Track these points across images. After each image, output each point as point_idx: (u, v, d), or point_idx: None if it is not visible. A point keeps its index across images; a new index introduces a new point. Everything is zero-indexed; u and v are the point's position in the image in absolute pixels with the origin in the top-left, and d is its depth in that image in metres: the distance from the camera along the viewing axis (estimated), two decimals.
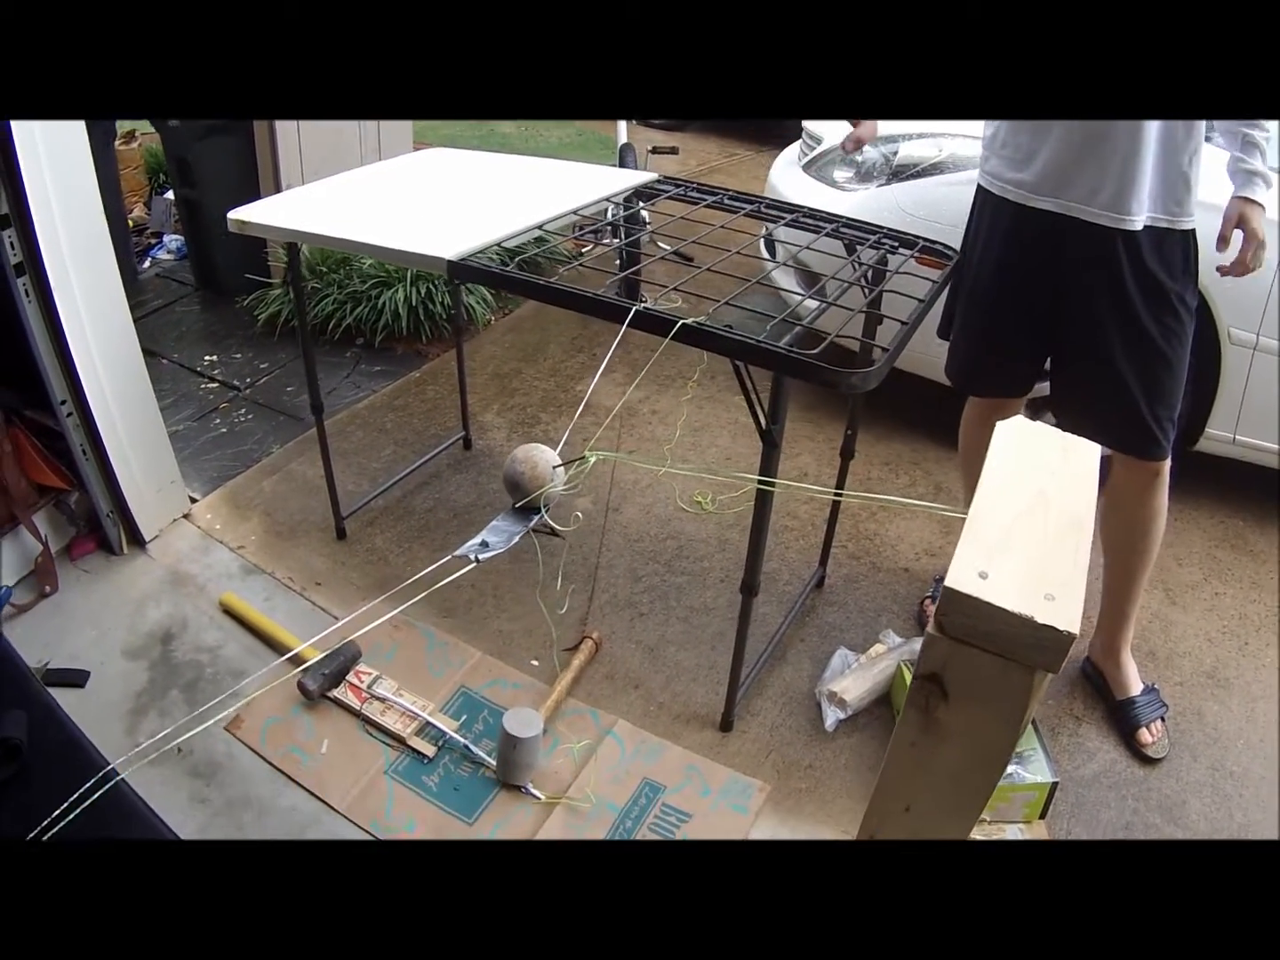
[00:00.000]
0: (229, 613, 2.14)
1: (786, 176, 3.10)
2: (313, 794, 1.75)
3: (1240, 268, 1.65)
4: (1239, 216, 1.61)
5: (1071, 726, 1.99)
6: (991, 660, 0.69)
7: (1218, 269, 1.67)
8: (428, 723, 1.87)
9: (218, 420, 2.88)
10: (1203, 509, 2.66)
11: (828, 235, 1.87)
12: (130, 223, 3.89)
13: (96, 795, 0.88)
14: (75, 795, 0.87)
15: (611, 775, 1.81)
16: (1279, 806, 1.81)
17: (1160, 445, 1.73)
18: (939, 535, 2.52)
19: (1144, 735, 1.96)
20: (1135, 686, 2.01)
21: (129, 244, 3.63)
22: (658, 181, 2.13)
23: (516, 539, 1.12)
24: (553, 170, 2.27)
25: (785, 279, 2.86)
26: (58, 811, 0.86)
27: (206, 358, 3.21)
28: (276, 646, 2.05)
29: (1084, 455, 0.86)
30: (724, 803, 1.77)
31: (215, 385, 3.06)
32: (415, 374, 3.14)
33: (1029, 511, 0.76)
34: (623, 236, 2.02)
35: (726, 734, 1.91)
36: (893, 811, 0.93)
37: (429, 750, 1.83)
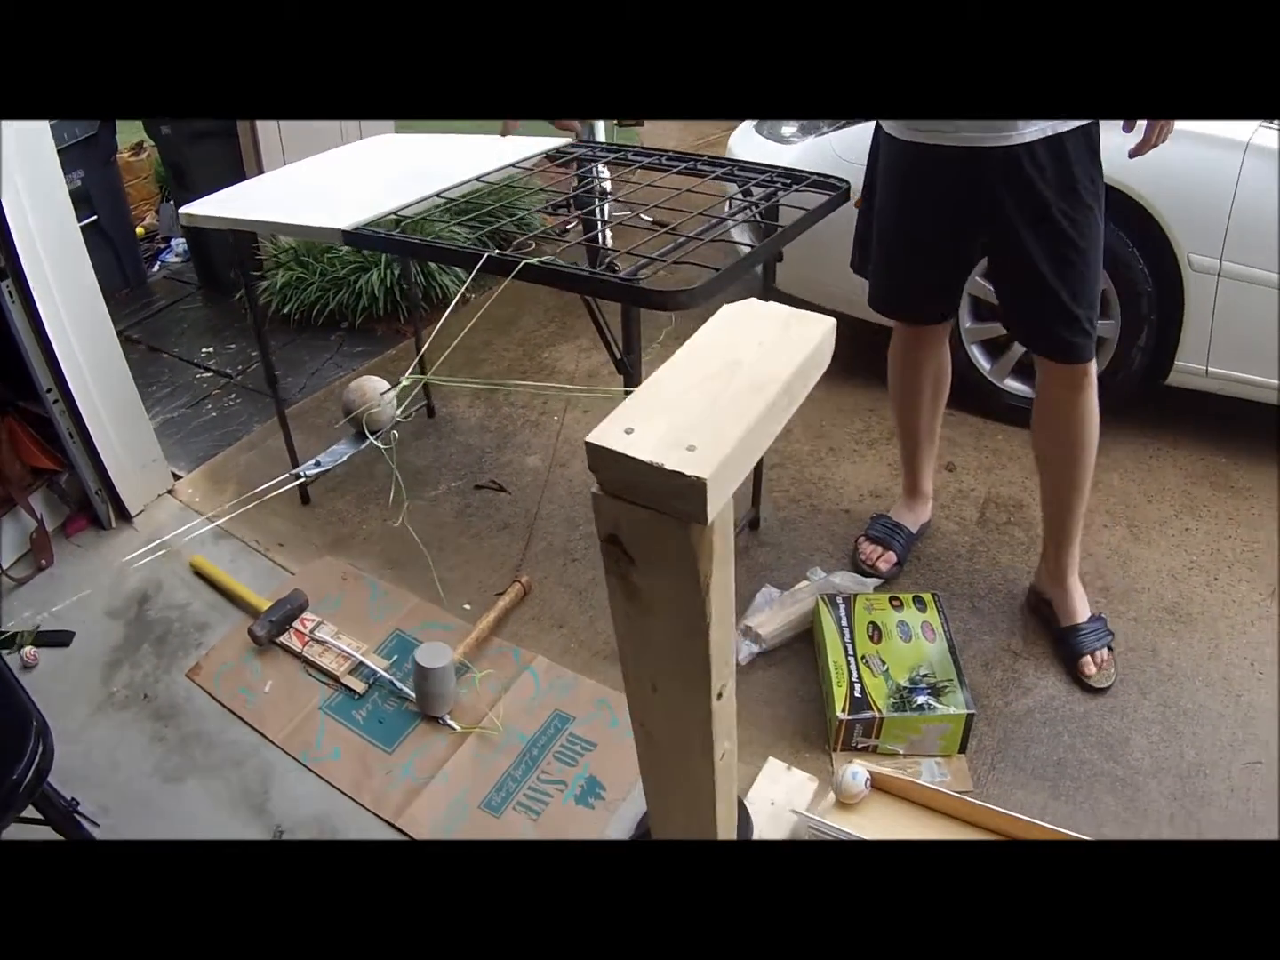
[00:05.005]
0: (198, 574, 2.33)
1: (742, 138, 3.16)
2: (254, 728, 1.93)
3: (1145, 146, 1.63)
4: None
5: (1007, 661, 1.94)
6: (649, 516, 0.71)
7: (1129, 152, 1.65)
8: (360, 662, 2.02)
9: (209, 406, 3.09)
10: (1181, 446, 2.57)
11: (718, 179, 1.97)
12: (141, 230, 4.15)
13: None
14: None
15: (524, 708, 1.93)
16: (1279, 805, 1.67)
17: (1086, 346, 1.72)
18: (887, 478, 2.57)
19: (1087, 664, 1.87)
20: (1082, 614, 1.93)
21: (136, 250, 3.88)
22: (568, 146, 2.24)
23: (344, 458, 1.28)
24: (476, 145, 2.39)
25: (739, 233, 2.93)
26: None
27: (204, 350, 3.43)
28: (237, 601, 2.23)
29: (808, 328, 0.82)
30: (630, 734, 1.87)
31: (209, 374, 3.28)
32: (392, 351, 3.31)
33: (713, 377, 0.75)
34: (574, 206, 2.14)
35: None
36: (643, 694, 0.99)
37: (359, 687, 1.99)
